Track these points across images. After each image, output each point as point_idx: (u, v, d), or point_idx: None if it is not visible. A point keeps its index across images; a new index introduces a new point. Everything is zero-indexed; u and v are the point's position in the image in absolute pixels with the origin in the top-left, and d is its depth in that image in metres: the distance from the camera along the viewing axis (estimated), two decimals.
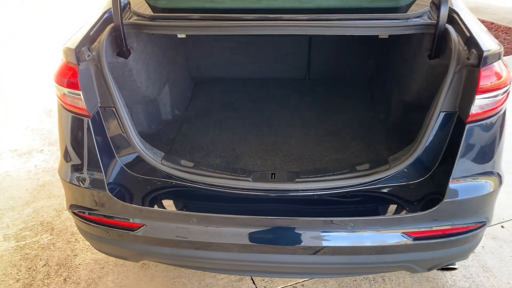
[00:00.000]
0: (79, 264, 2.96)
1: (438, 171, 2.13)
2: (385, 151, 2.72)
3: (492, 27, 7.79)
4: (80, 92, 2.05)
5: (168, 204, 2.21)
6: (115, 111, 2.17)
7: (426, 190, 2.14)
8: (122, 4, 2.46)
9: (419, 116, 2.68)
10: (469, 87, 1.97)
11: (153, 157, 2.24)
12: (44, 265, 2.96)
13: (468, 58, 1.94)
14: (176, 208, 2.18)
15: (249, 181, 2.18)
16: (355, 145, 2.81)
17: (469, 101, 1.95)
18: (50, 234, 3.22)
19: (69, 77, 2.06)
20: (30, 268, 2.94)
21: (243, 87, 3.69)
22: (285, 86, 3.69)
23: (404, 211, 2.10)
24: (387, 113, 3.11)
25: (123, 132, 2.20)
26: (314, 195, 2.15)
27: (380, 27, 2.19)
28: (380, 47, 3.43)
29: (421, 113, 2.64)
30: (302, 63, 3.70)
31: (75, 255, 3.03)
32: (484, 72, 1.91)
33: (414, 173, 2.17)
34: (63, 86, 2.09)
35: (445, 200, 1.98)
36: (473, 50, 1.92)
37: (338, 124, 3.07)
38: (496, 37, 7.15)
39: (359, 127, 3.03)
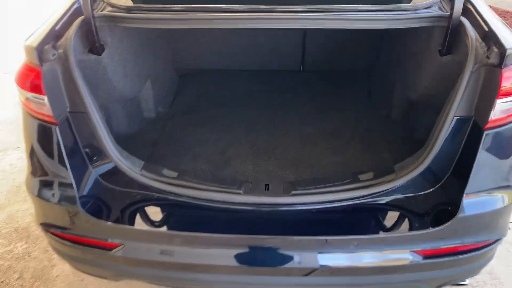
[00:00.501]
0: (56, 276, 2.73)
1: (450, 181, 1.92)
2: (387, 153, 2.50)
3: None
4: (45, 97, 1.79)
5: (149, 220, 1.97)
6: (86, 117, 1.91)
7: (436, 202, 1.93)
8: None
9: (426, 116, 2.46)
10: (488, 90, 1.74)
11: (131, 167, 2.00)
12: (18, 278, 2.73)
13: (487, 57, 1.71)
14: (158, 225, 1.95)
15: (240, 194, 1.95)
16: (354, 146, 2.58)
17: (488, 105, 1.73)
18: (26, 242, 2.98)
19: (31, 79, 1.80)
20: (2, 282, 2.70)
21: (232, 80, 3.43)
22: (278, 79, 3.43)
23: (414, 227, 1.89)
24: (387, 109, 2.89)
25: (97, 140, 1.94)
26: (312, 209, 1.93)
27: (385, 19, 1.94)
28: (381, 37, 3.19)
29: (428, 113, 2.42)
30: (296, 53, 3.44)
31: (52, 266, 2.80)
32: (506, 72, 1.68)
33: (423, 183, 1.95)
34: (26, 90, 1.83)
35: (459, 215, 1.78)
36: (494, 48, 1.69)
37: (335, 122, 2.84)
38: None
39: (358, 124, 2.80)
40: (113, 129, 2.60)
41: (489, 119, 1.73)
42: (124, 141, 2.60)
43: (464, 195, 1.77)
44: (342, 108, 3.01)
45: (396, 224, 1.92)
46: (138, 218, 1.96)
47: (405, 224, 1.91)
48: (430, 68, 2.17)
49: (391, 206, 1.96)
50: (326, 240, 1.79)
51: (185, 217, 1.99)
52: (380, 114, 2.92)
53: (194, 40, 3.43)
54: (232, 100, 3.15)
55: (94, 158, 2.00)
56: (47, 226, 2.00)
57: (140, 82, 2.69)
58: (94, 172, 2.00)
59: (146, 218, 1.96)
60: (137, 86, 2.66)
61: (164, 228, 1.93)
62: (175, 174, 2.06)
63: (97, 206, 1.96)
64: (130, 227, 1.91)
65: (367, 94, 3.19)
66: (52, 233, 2.00)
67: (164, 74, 3.09)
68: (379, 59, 3.25)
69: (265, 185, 2.02)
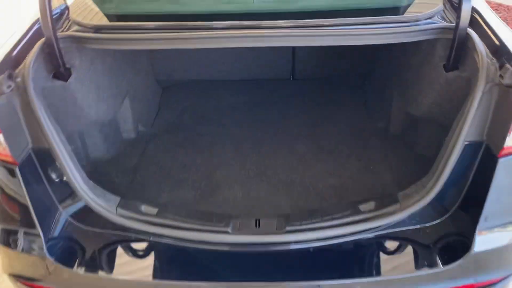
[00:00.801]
0: None
1: (459, 212, 1.74)
2: (387, 172, 2.31)
3: None
4: (0, 135, 1.57)
5: (127, 266, 1.76)
6: (51, 153, 1.69)
7: (445, 234, 1.75)
8: (59, 10, 1.96)
9: (429, 132, 2.27)
10: (503, 112, 1.56)
11: (106, 206, 1.79)
12: None
13: (501, 76, 1.51)
14: (137, 271, 1.74)
15: (227, 233, 1.75)
16: (351, 165, 2.39)
17: (503, 130, 1.54)
18: None
19: None
20: None
21: (218, 91, 3.21)
22: (267, 89, 3.22)
23: (421, 265, 1.70)
24: (385, 121, 2.69)
25: (65, 178, 1.73)
26: (309, 247, 1.73)
27: (384, 34, 1.75)
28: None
29: (432, 130, 2.23)
30: (285, 61, 3.22)
31: None
32: None
33: (430, 213, 1.77)
34: None
35: (472, 251, 1.60)
36: (508, 66, 1.50)
37: (330, 138, 2.64)
38: None
39: (354, 140, 2.61)
40: (89, 156, 2.39)
41: (504, 146, 1.54)
42: (102, 167, 2.40)
43: (477, 231, 1.59)
44: (337, 121, 2.81)
45: (402, 262, 1.73)
46: (115, 264, 1.75)
47: (411, 261, 1.72)
48: (433, 84, 1.98)
49: (394, 239, 1.78)
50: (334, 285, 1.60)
51: (167, 261, 1.79)
52: (377, 127, 2.72)
53: (177, 49, 3.20)
54: (219, 115, 2.93)
55: (63, 197, 1.79)
56: (15, 277, 1.79)
57: (117, 102, 2.47)
58: (64, 213, 1.79)
59: (123, 264, 1.75)
60: (114, 107, 2.44)
61: (144, 276, 1.72)
62: (155, 210, 1.85)
63: (68, 251, 1.75)
64: (105, 276, 1.70)
65: (363, 104, 2.99)
66: (23, 284, 1.79)
67: (144, 89, 2.87)
68: (375, 67, 3.06)
69: (256, 220, 1.82)
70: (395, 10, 1.95)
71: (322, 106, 2.99)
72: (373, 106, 2.90)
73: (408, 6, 1.98)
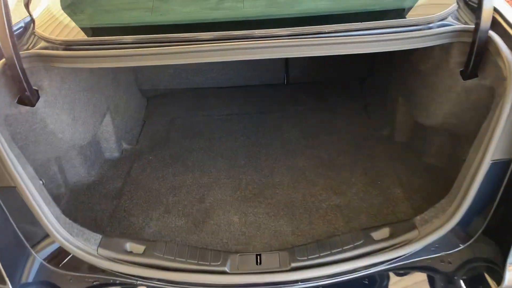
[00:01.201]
0: None
1: (485, 238, 1.54)
2: (396, 187, 2.12)
3: None
4: None
5: None
6: (18, 191, 1.47)
7: (469, 264, 1.56)
8: (22, 24, 1.73)
9: (441, 142, 2.08)
10: None
11: (85, 247, 1.57)
12: None
13: None
14: None
15: (225, 273, 1.54)
16: (356, 180, 2.19)
17: None
18: None
19: None
20: None
21: (208, 101, 2.99)
22: (260, 96, 3.00)
23: None
24: (389, 129, 2.50)
25: (35, 219, 1.51)
26: (319, 286, 1.53)
27: (392, 40, 1.54)
28: None
29: (445, 139, 2.04)
30: (278, 65, 3.00)
31: None
32: None
33: (451, 240, 1.57)
34: None
35: (504, 284, 1.41)
36: None
37: (331, 148, 2.44)
38: None
39: (357, 150, 2.41)
40: (68, 181, 2.17)
41: None
42: (83, 193, 2.18)
43: (508, 264, 1.40)
44: (337, 129, 2.61)
45: None
46: None
47: None
48: (448, 92, 1.78)
49: (412, 270, 1.58)
50: None
51: None
52: (381, 134, 2.52)
53: None
54: (209, 127, 2.71)
55: (36, 240, 1.56)
56: None
57: (96, 120, 2.24)
58: (37, 257, 1.57)
59: None
60: (93, 127, 2.21)
61: None
62: (142, 248, 1.63)
63: None
64: None
65: (363, 109, 2.79)
66: None
67: (127, 102, 2.63)
68: (374, 69, 2.85)
69: (256, 256, 1.61)
70: (401, 12, 1.74)
71: (320, 113, 2.78)
72: (375, 112, 2.69)
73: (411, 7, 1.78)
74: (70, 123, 1.94)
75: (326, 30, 1.51)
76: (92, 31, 1.68)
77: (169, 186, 2.22)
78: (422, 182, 2.13)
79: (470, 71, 1.60)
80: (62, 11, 1.82)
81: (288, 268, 1.54)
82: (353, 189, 2.13)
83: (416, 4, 1.78)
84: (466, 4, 1.72)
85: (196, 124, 2.75)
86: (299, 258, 1.56)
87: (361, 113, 2.75)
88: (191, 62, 1.51)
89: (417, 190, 2.09)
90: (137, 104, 2.81)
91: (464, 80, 1.64)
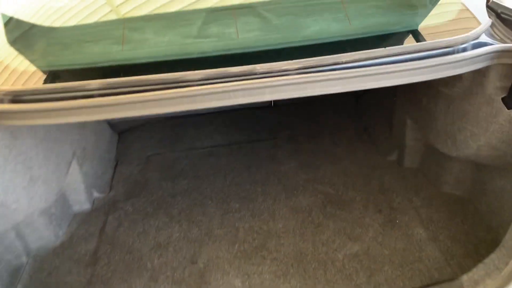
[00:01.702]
0: None
1: None
2: (417, 224, 1.85)
3: None
4: None
5: None
6: None
7: None
8: None
9: (468, 172, 1.83)
10: None
11: None
12: None
13: None
14: None
15: None
16: (371, 220, 1.90)
17: None
18: None
19: None
20: None
21: (188, 132, 2.65)
22: (246, 122, 2.69)
23: None
24: (396, 154, 2.23)
25: None
26: None
27: (425, 68, 1.25)
28: None
29: (474, 170, 1.78)
30: None
31: None
32: None
33: None
34: None
35: None
36: None
37: (335, 181, 2.15)
38: None
39: (365, 182, 2.12)
40: (30, 248, 1.79)
41: None
42: (49, 262, 1.80)
43: None
44: (338, 158, 2.32)
45: None
46: None
47: None
48: (487, 123, 1.50)
49: None
50: None
51: None
52: (388, 160, 2.25)
53: None
54: (192, 164, 2.37)
55: None
56: None
57: (61, 173, 1.87)
58: None
59: None
60: (57, 182, 1.84)
61: None
62: None
63: None
64: None
65: (363, 132, 2.51)
66: None
67: (96, 142, 2.27)
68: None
69: None
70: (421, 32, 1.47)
71: (315, 138, 2.49)
72: (378, 135, 2.42)
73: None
74: (27, 186, 1.57)
75: (344, 60, 1.22)
76: (48, 74, 1.32)
77: (153, 243, 1.87)
78: (444, 216, 1.87)
79: None
80: (7, 48, 1.46)
81: None
82: (370, 232, 1.84)
83: (437, 22, 1.51)
84: (499, 17, 1.46)
85: (177, 161, 2.41)
86: None
87: (361, 136, 2.48)
88: (178, 110, 1.18)
89: (441, 227, 1.83)
90: (107, 143, 2.44)
91: (508, 109, 1.38)
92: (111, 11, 1.61)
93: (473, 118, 1.56)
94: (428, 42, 1.29)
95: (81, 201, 2.06)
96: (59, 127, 1.86)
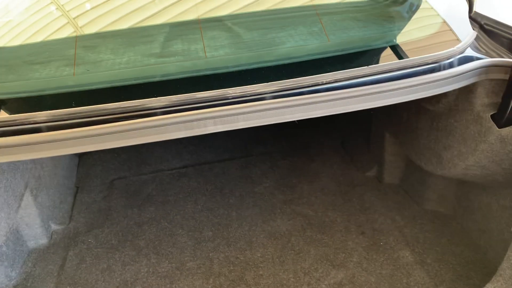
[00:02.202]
0: None
1: None
2: (403, 247, 1.75)
3: None
4: None
5: None
6: None
7: None
8: None
9: (453, 190, 1.74)
10: None
11: None
12: None
13: None
14: None
15: None
16: (354, 243, 1.79)
17: None
18: None
19: None
20: None
21: (155, 152, 2.48)
22: (217, 138, 2.55)
23: None
24: (375, 170, 2.15)
25: None
26: None
27: (412, 86, 1.15)
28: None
29: (460, 188, 1.70)
30: None
31: None
32: None
33: None
34: None
35: None
36: None
37: (314, 203, 2.03)
38: None
39: (345, 202, 2.02)
40: None
41: None
42: None
43: None
44: (315, 175, 2.21)
45: None
46: None
47: None
48: (476, 142, 1.41)
49: None
50: None
51: None
52: (367, 176, 2.16)
53: None
54: (159, 189, 2.20)
55: None
56: None
57: (11, 209, 1.67)
58: None
59: None
60: (6, 219, 1.64)
61: None
62: None
63: None
64: None
65: (340, 147, 2.41)
66: None
67: (53, 168, 2.06)
68: None
69: None
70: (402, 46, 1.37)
71: (291, 154, 2.38)
72: (355, 149, 2.32)
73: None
74: None
75: (325, 81, 1.09)
76: None
77: (119, 281, 1.70)
78: (430, 236, 1.79)
79: (507, 117, 1.24)
80: None
81: None
82: (354, 257, 1.72)
83: (418, 36, 1.42)
84: (482, 29, 1.37)
85: (143, 185, 2.24)
86: None
87: (338, 151, 2.38)
88: (141, 142, 1.02)
89: (427, 248, 1.74)
90: (66, 167, 2.24)
91: (499, 128, 1.29)
92: (63, 26, 1.44)
93: (460, 136, 1.47)
94: (413, 58, 1.19)
95: (37, 236, 1.86)
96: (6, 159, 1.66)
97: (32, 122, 1.01)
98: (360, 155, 2.27)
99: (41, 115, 1.01)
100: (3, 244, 1.64)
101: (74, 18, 1.47)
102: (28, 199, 1.78)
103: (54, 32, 1.40)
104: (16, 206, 1.71)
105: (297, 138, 2.53)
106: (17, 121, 1.02)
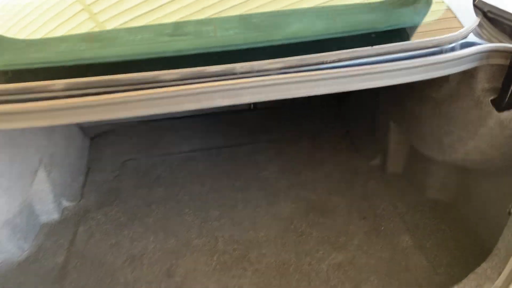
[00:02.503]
0: None
1: None
2: (403, 232, 1.79)
3: None
4: None
5: None
6: None
7: None
8: None
9: (454, 177, 1.78)
10: None
11: None
12: None
13: None
14: None
15: None
16: (355, 227, 1.84)
17: None
18: None
19: None
20: None
21: (165, 136, 2.54)
22: (226, 125, 2.60)
23: None
24: (379, 158, 2.18)
25: None
26: None
27: (414, 67, 1.19)
28: None
29: (460, 174, 1.73)
30: None
31: None
32: None
33: None
34: None
35: None
36: None
37: (318, 188, 2.07)
38: None
39: (348, 188, 2.06)
40: None
41: None
42: (13, 277, 1.67)
43: None
44: (320, 162, 2.25)
45: None
46: None
47: None
48: (476, 126, 1.45)
49: None
50: None
51: None
52: (371, 165, 2.19)
53: None
54: (168, 171, 2.26)
55: None
56: None
57: (26, 182, 1.74)
58: None
59: None
60: (21, 192, 1.71)
61: None
62: None
63: None
64: None
65: (345, 136, 2.45)
66: None
67: (65, 148, 2.13)
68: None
69: None
70: (409, 31, 1.41)
71: (297, 142, 2.42)
72: (360, 138, 2.36)
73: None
74: None
75: (329, 60, 1.14)
76: (7, 74, 1.20)
77: (126, 256, 1.76)
78: (430, 223, 1.82)
79: (507, 100, 1.28)
80: None
81: None
82: (355, 240, 1.77)
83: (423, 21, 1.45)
84: (486, 16, 1.41)
85: (152, 167, 2.30)
86: None
87: (343, 140, 2.42)
88: (151, 113, 1.08)
89: (427, 234, 1.77)
90: (77, 149, 2.30)
91: (498, 111, 1.32)
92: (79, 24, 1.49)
93: (460, 122, 1.51)
94: (416, 41, 1.23)
95: (49, 211, 1.93)
96: (23, 131, 1.73)
97: (50, 90, 1.07)
98: (365, 144, 2.31)
99: (59, 84, 1.07)
100: (17, 215, 1.71)
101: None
102: (41, 174, 1.85)
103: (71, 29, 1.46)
104: (30, 180, 1.78)
105: (303, 127, 2.57)
106: (36, 88, 1.08)
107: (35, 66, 1.20)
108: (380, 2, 1.55)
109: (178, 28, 1.36)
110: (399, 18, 1.45)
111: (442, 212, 1.87)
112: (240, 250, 1.75)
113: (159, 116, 2.60)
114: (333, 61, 1.15)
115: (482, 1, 1.44)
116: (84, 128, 2.47)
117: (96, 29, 1.42)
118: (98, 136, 2.54)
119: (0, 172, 1.54)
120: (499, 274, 1.21)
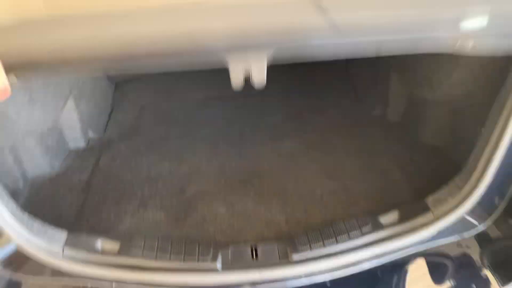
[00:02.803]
0: None
1: (508, 219, 1.39)
2: (394, 168, 1.95)
3: None
4: None
5: None
6: None
7: (491, 247, 1.39)
8: None
9: (441, 118, 1.93)
10: None
11: (48, 247, 1.31)
12: None
13: None
14: None
15: (216, 271, 1.32)
16: (350, 163, 2.01)
17: None
18: None
19: None
20: None
21: (182, 85, 2.75)
22: None
23: None
24: (380, 108, 2.34)
25: None
26: (326, 282, 1.33)
27: None
28: None
29: (446, 114, 1.89)
30: None
31: None
32: None
33: (470, 222, 1.41)
34: None
35: None
36: None
37: (320, 131, 2.25)
38: None
39: (348, 132, 2.23)
40: (26, 175, 1.89)
41: None
42: (45, 188, 1.91)
43: None
44: (325, 111, 2.42)
45: None
46: None
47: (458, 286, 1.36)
48: (462, 66, 1.60)
49: (429, 258, 1.41)
50: None
51: None
52: (372, 115, 2.36)
53: None
54: (185, 113, 2.47)
55: None
56: None
57: (58, 104, 1.97)
58: None
59: None
60: (54, 111, 1.94)
61: None
62: (116, 246, 1.39)
63: None
64: None
65: (351, 90, 2.61)
66: None
67: (92, 86, 2.36)
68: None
69: (252, 248, 1.40)
70: None
71: (305, 94, 2.60)
72: (365, 91, 2.52)
73: None
74: (26, 104, 1.67)
75: None
76: None
77: (144, 176, 1.98)
78: (422, 164, 1.97)
79: None
80: None
81: (290, 261, 1.34)
82: (348, 173, 1.94)
83: None
84: None
85: (170, 111, 2.51)
86: (301, 249, 1.36)
87: (348, 94, 2.58)
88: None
89: (417, 172, 1.93)
90: (103, 90, 2.53)
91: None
92: None
93: (448, 63, 1.66)
94: None
95: (76, 139, 2.16)
96: None
97: None
98: (367, 97, 2.47)
99: None
100: (48, 135, 1.93)
101: None
102: (71, 103, 2.08)
103: None
104: (62, 104, 2.00)
105: (312, 80, 2.74)
106: None
107: None
108: None
109: None
110: None
111: (435, 155, 2.01)
112: (244, 176, 1.95)
113: (181, 68, 2.80)
114: None
115: None
116: (109, 75, 2.69)
117: None
118: (121, 83, 2.76)
119: (38, 89, 1.76)
120: (466, 182, 1.38)
